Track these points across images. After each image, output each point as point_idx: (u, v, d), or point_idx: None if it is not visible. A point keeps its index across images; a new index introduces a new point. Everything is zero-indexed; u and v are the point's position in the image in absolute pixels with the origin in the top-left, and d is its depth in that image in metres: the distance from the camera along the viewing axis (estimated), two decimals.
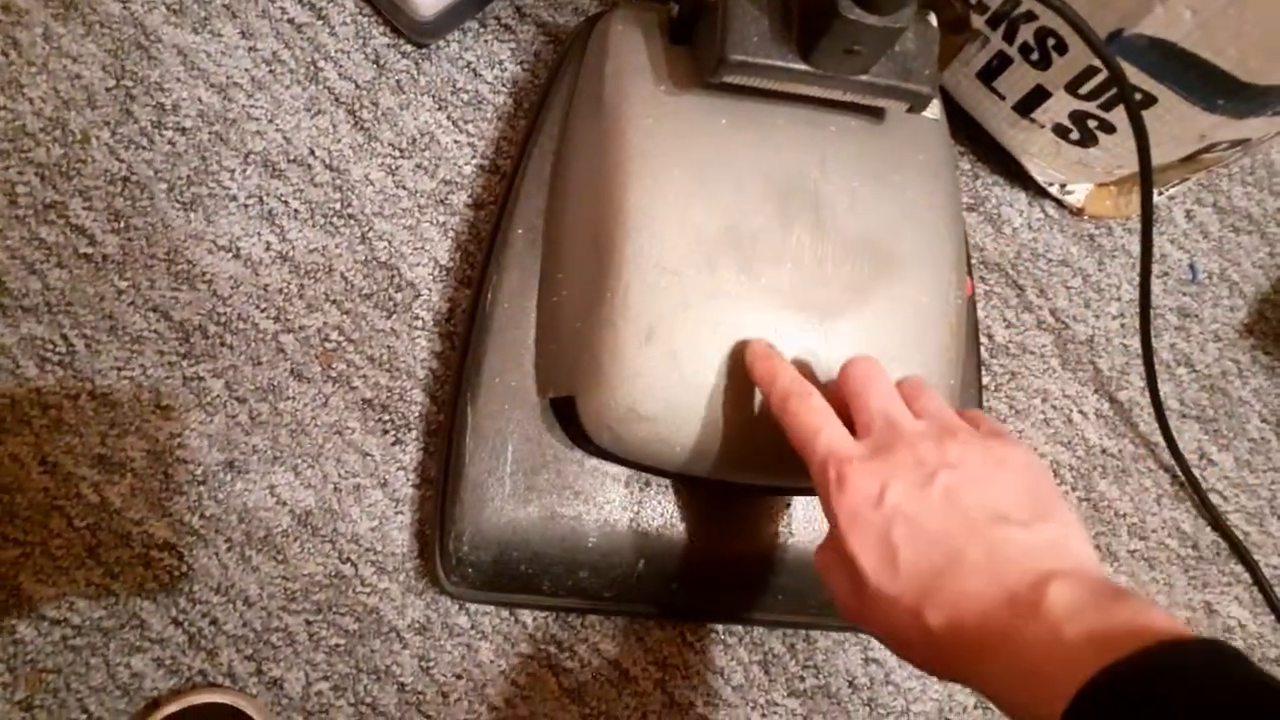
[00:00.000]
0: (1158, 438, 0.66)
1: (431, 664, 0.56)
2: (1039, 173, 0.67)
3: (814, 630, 0.60)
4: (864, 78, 0.44)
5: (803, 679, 0.60)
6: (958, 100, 0.66)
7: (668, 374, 0.43)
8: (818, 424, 0.38)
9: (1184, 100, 0.56)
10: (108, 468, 0.54)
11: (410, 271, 0.60)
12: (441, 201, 0.61)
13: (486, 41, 0.64)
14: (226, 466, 0.55)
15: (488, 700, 0.56)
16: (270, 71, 0.60)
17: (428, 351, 0.59)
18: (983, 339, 0.66)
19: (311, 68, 0.61)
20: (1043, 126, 0.63)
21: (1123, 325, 0.69)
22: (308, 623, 0.55)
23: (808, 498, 0.54)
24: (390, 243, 0.60)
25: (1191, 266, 0.72)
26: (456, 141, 0.62)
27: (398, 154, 0.61)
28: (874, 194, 0.47)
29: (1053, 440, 0.67)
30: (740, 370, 0.43)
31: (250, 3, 0.61)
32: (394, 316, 0.59)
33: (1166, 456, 0.67)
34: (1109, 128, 0.60)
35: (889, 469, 0.36)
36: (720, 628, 0.59)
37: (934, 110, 0.51)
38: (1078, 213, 0.70)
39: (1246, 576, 0.67)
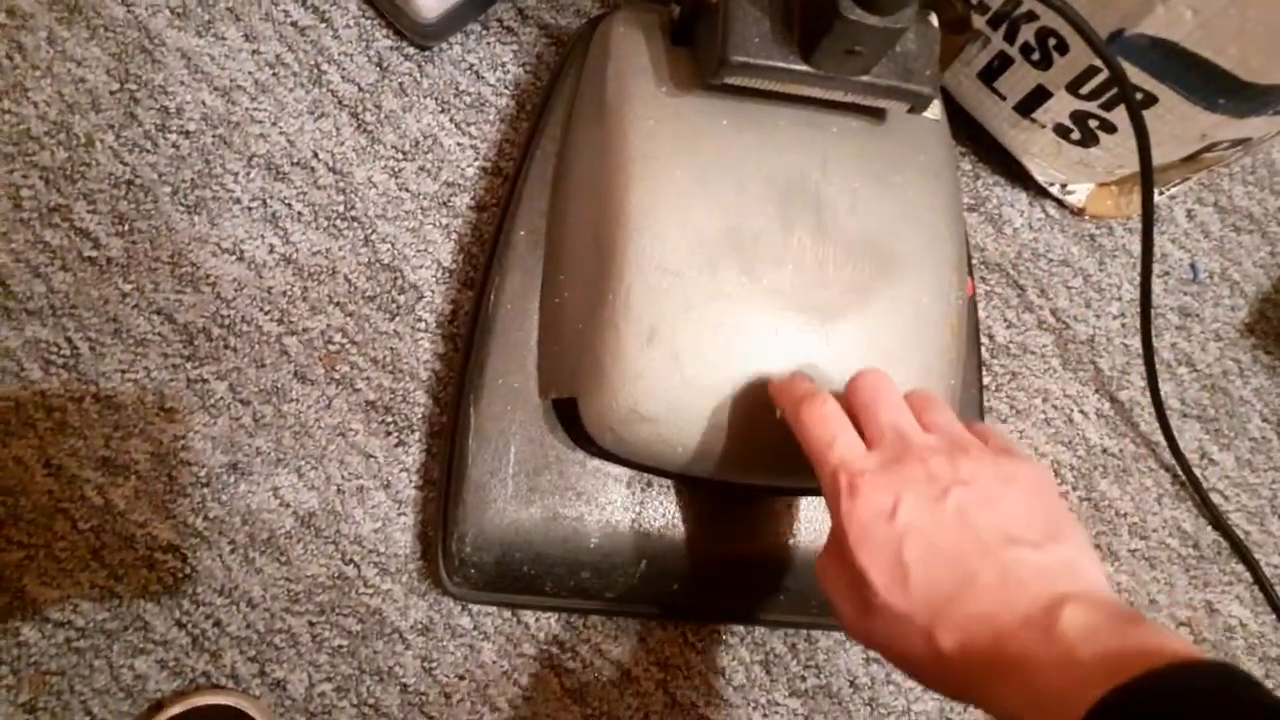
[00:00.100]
0: (1158, 437, 0.66)
1: (434, 665, 0.56)
2: (1040, 173, 0.67)
3: (815, 630, 0.60)
4: (865, 78, 0.44)
5: (804, 679, 0.60)
6: (959, 101, 0.66)
7: (669, 375, 0.44)
8: (832, 432, 0.38)
9: (1185, 100, 0.56)
10: (112, 470, 0.54)
11: (413, 273, 0.60)
12: (444, 204, 0.61)
13: (489, 44, 0.64)
14: (230, 469, 0.56)
15: (490, 701, 0.56)
16: (274, 74, 0.61)
17: (430, 353, 0.59)
18: (984, 339, 0.66)
19: (315, 71, 0.61)
20: (1044, 126, 0.63)
21: (1123, 325, 0.69)
22: (311, 624, 0.55)
23: (809, 498, 0.54)
24: (393, 245, 0.60)
25: (1192, 266, 0.72)
26: (459, 144, 0.62)
27: (401, 156, 0.61)
28: (875, 195, 0.47)
29: (1053, 440, 0.67)
30: (741, 371, 0.43)
31: (254, 6, 0.61)
32: (397, 318, 0.59)
33: (1167, 456, 0.67)
34: (1110, 127, 0.60)
35: (901, 483, 0.36)
36: (722, 628, 0.59)
37: (935, 111, 0.51)
38: (1079, 213, 0.70)
39: (1247, 576, 0.67)
